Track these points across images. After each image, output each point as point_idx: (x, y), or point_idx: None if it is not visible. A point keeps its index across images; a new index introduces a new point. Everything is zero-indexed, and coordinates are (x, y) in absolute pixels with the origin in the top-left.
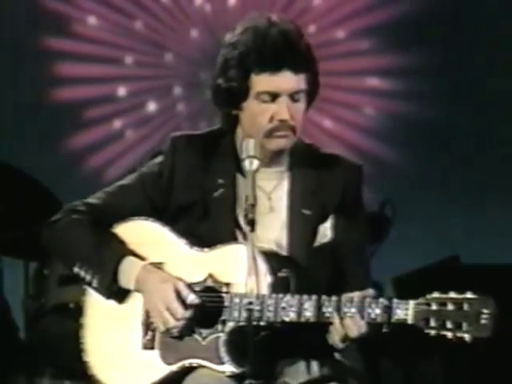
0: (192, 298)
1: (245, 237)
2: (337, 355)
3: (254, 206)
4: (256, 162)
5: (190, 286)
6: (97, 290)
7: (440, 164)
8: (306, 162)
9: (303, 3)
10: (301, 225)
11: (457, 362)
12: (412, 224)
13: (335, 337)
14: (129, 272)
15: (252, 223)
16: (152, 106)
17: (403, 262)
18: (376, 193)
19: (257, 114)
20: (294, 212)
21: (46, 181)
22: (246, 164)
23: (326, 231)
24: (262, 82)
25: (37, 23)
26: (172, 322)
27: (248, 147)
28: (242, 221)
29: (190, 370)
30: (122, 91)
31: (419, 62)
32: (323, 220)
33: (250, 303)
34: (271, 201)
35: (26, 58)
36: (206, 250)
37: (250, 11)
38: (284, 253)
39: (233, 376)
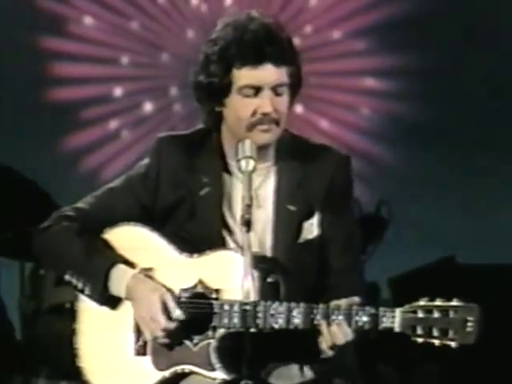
0: (177, 314)
1: (231, 235)
2: (329, 357)
3: (250, 206)
4: (252, 163)
5: (178, 297)
6: (90, 297)
7: (437, 164)
8: (293, 155)
9: (299, 4)
10: (286, 220)
11: (452, 364)
12: (408, 224)
13: (323, 344)
14: (119, 280)
15: (248, 223)
16: (148, 107)
17: (399, 262)
18: (372, 193)
19: (239, 109)
20: (279, 207)
21: (43, 181)
22: (243, 164)
23: (311, 227)
24: (243, 75)
25: (33, 23)
26: (155, 333)
27: (244, 148)
28: (229, 220)
29: (182, 376)
30: (118, 91)
31: (415, 62)
32: (308, 216)
33: (245, 304)
34: (258, 197)
35: (22, 58)
36: (195, 255)
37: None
38: (268, 250)
39: (224, 383)
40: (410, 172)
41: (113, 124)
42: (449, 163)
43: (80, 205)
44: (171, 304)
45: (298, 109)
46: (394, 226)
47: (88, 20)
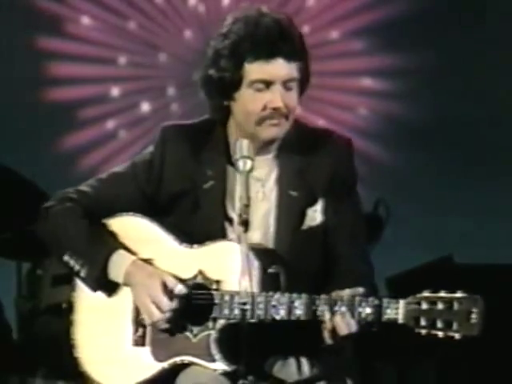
0: (180, 288)
1: (233, 227)
2: (329, 353)
3: (247, 206)
4: (250, 163)
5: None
6: (84, 280)
7: (434, 164)
8: (295, 142)
9: (297, 4)
10: (288, 207)
11: (451, 362)
12: (405, 224)
13: (326, 335)
14: (119, 265)
15: (246, 224)
16: (145, 107)
17: (397, 261)
18: (370, 193)
19: (250, 103)
20: (281, 195)
21: (40, 181)
22: (240, 164)
23: (315, 214)
24: (255, 70)
25: (30, 23)
26: (158, 315)
27: (242, 147)
28: (231, 213)
29: (181, 367)
30: (115, 91)
31: (413, 62)
32: (311, 202)
33: (244, 303)
34: (264, 188)
35: (20, 58)
36: (195, 246)
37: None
38: (271, 237)
39: (225, 373)
40: (407, 172)
41: (110, 124)
42: (447, 163)
43: (83, 188)
44: (172, 282)
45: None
46: (392, 226)
47: (85, 20)
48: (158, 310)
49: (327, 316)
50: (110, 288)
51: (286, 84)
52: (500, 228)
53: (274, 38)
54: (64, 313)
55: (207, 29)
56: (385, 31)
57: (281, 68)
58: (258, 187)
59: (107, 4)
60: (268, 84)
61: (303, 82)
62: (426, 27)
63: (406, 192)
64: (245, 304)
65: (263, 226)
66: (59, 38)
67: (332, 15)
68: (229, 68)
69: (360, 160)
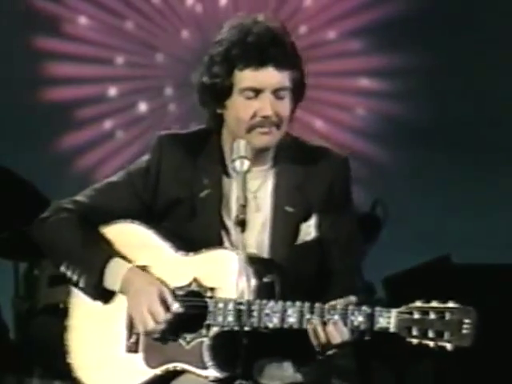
0: (176, 307)
1: (229, 237)
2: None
3: (244, 206)
4: (247, 163)
5: (174, 292)
6: (83, 290)
7: (432, 164)
8: (291, 157)
9: (294, 4)
10: (283, 222)
11: (448, 363)
12: (403, 224)
13: (316, 344)
14: (115, 273)
15: (243, 224)
16: (143, 107)
17: (394, 261)
18: (367, 193)
19: (240, 110)
20: (277, 210)
21: (37, 181)
22: (237, 165)
23: (309, 229)
24: (245, 77)
25: (27, 23)
26: (152, 325)
27: (239, 148)
28: (227, 222)
29: (174, 374)
30: (112, 91)
31: (410, 62)
32: (306, 217)
33: (240, 303)
34: (257, 200)
35: (18, 58)
36: (190, 254)
37: (241, 12)
38: (266, 252)
39: (216, 381)
40: (405, 172)
41: (107, 124)
42: (446, 163)
43: (79, 198)
44: (169, 297)
45: None
46: (389, 226)
47: (83, 20)
48: (153, 319)
49: (319, 325)
50: (108, 296)
51: (276, 93)
52: (499, 228)
53: (265, 46)
54: (61, 313)
55: (204, 29)
56: (382, 31)
57: (271, 76)
58: (249, 199)
59: (104, 4)
60: (257, 92)
61: (296, 91)
62: (425, 27)
63: (404, 192)
64: (241, 304)
65: (258, 239)
66: (57, 38)
67: (329, 15)
68: (220, 74)
69: (358, 160)
